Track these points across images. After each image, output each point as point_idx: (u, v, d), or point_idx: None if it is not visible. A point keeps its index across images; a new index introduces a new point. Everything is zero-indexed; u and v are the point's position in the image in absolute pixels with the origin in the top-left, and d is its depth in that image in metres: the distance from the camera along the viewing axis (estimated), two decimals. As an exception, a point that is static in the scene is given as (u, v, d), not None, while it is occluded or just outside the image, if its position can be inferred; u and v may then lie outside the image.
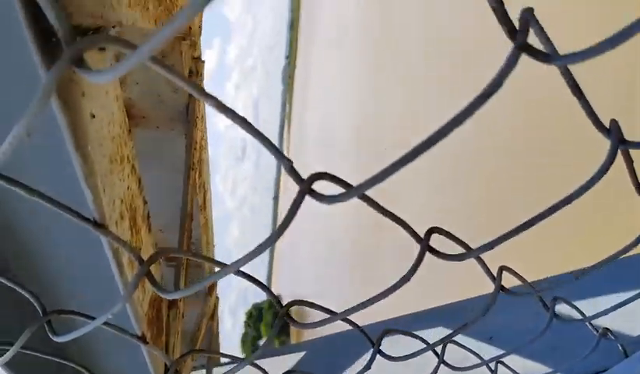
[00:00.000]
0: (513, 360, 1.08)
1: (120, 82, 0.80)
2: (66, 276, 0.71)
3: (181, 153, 0.84)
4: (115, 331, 0.61)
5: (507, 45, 0.36)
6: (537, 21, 0.38)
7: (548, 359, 1.07)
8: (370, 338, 0.79)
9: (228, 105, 0.38)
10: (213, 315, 1.47)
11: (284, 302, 0.68)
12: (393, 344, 1.05)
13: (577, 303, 0.89)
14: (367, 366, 0.78)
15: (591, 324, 0.93)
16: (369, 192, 0.47)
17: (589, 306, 0.94)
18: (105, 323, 0.60)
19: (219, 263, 0.55)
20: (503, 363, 0.99)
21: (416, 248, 0.58)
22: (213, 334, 1.49)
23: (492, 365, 0.98)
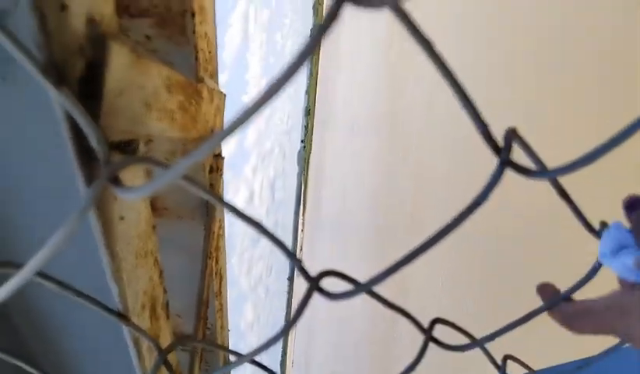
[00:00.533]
0: None
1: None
2: (86, 361, 0.74)
3: (199, 242, 0.89)
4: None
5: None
6: (521, 138, 0.43)
7: None
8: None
9: (243, 212, 0.43)
10: None
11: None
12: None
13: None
14: None
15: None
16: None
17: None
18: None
19: (234, 353, 0.58)
20: None
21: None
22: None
23: None
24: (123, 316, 0.56)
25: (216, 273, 1.03)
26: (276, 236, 0.48)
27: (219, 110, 0.78)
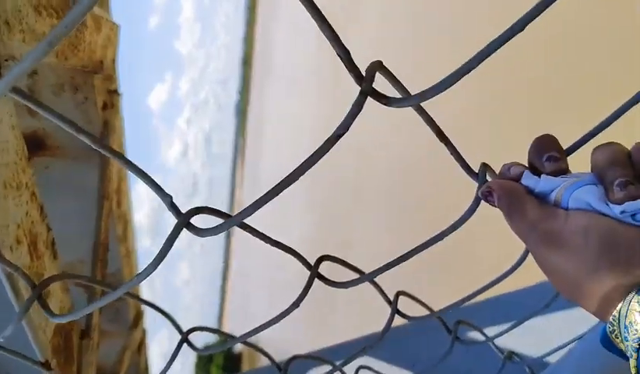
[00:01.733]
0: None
1: (34, 113, 0.82)
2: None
3: (96, 183, 0.86)
4: (14, 356, 0.61)
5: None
6: (386, 68, 0.43)
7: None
8: (279, 365, 0.81)
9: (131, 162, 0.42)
10: (140, 349, 1.46)
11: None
12: None
13: (486, 330, 0.94)
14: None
15: (496, 348, 0.98)
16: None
17: (497, 331, 0.99)
18: (4, 349, 0.61)
19: (134, 297, 0.57)
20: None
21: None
22: (140, 369, 1.47)
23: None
24: (-8, 251, 0.53)
25: (118, 217, 1.01)
26: (139, 169, 0.46)
27: (110, 41, 0.74)
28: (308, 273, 0.60)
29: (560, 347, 0.94)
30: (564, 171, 0.48)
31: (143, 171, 0.46)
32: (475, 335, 0.97)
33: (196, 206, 0.50)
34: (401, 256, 0.58)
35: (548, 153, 0.48)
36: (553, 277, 0.47)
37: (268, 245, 0.58)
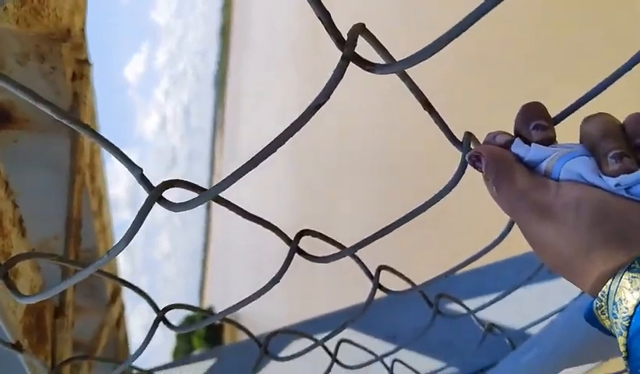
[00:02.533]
0: (414, 357, 1.12)
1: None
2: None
3: (67, 157, 0.83)
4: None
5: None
6: (369, 32, 0.40)
7: (443, 355, 1.12)
8: (258, 340, 0.80)
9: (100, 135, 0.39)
10: (119, 324, 1.44)
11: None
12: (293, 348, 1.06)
13: (466, 302, 0.93)
14: (254, 367, 0.79)
15: (477, 320, 0.98)
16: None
17: (478, 304, 0.99)
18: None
19: (78, 264, 0.55)
20: (398, 359, 1.03)
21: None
22: (119, 344, 1.45)
23: (388, 363, 1.01)
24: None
25: (92, 192, 0.97)
26: (108, 141, 0.43)
27: (79, 7, 0.70)
28: (289, 248, 0.58)
29: (541, 320, 0.94)
30: (551, 140, 0.46)
31: (112, 144, 0.44)
32: (456, 308, 0.97)
33: (174, 176, 0.47)
34: (383, 229, 0.57)
35: (535, 122, 0.46)
36: (540, 250, 0.45)
37: (248, 220, 0.57)
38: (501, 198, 0.46)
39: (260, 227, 0.60)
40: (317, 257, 0.58)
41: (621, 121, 0.45)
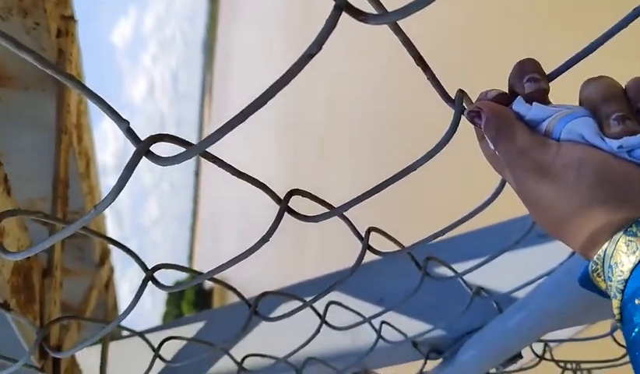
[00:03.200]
0: (402, 320, 1.14)
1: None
2: None
3: (52, 116, 0.81)
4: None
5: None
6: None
7: (431, 318, 1.13)
8: (248, 301, 0.80)
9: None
10: (108, 287, 1.44)
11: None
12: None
13: (455, 266, 0.94)
14: (244, 327, 0.79)
15: (465, 284, 0.99)
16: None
17: (466, 267, 0.99)
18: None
19: (65, 222, 0.54)
20: (386, 321, 1.04)
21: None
22: (108, 307, 1.45)
23: (377, 325, 1.02)
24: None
25: (80, 153, 0.96)
26: (97, 95, 0.42)
27: (62, -39, 0.68)
28: (278, 208, 0.58)
29: (528, 283, 0.95)
30: (545, 93, 0.46)
31: (98, 96, 0.42)
32: (444, 271, 0.98)
33: (164, 134, 0.46)
34: (373, 188, 0.56)
35: (529, 75, 0.45)
36: (535, 209, 0.45)
37: (238, 185, 0.56)
38: (501, 155, 0.46)
39: (249, 193, 0.59)
40: (306, 216, 0.57)
41: (622, 86, 0.45)
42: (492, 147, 0.47)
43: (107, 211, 1.35)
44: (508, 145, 0.45)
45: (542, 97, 0.46)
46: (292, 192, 0.59)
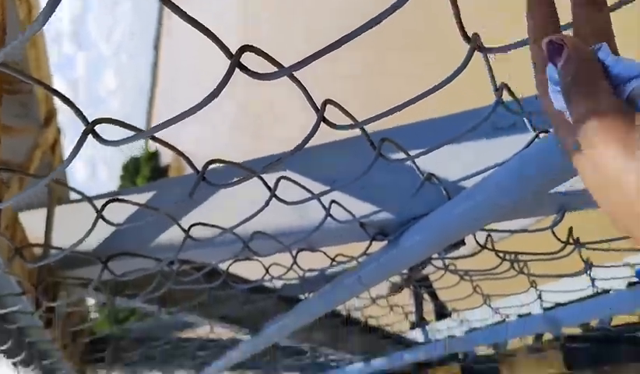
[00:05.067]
0: (351, 201, 1.14)
1: None
2: None
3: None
4: None
5: None
6: None
7: (380, 201, 1.14)
8: (196, 168, 0.78)
9: None
10: (54, 150, 1.39)
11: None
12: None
13: (410, 152, 0.93)
14: (190, 193, 0.78)
15: (417, 168, 0.99)
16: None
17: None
18: None
19: (36, 81, 0.49)
20: (335, 201, 1.04)
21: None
22: (54, 167, 1.41)
23: (326, 204, 1.02)
24: None
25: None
26: None
27: None
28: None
29: (478, 173, 0.95)
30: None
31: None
32: (398, 156, 0.97)
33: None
34: (329, 45, 0.53)
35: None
36: (607, 191, 0.36)
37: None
38: (572, 109, 0.37)
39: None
40: (257, 73, 0.54)
41: None
42: (558, 103, 0.39)
43: (58, 73, 1.27)
44: (587, 100, 0.36)
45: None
46: (244, 48, 0.55)
